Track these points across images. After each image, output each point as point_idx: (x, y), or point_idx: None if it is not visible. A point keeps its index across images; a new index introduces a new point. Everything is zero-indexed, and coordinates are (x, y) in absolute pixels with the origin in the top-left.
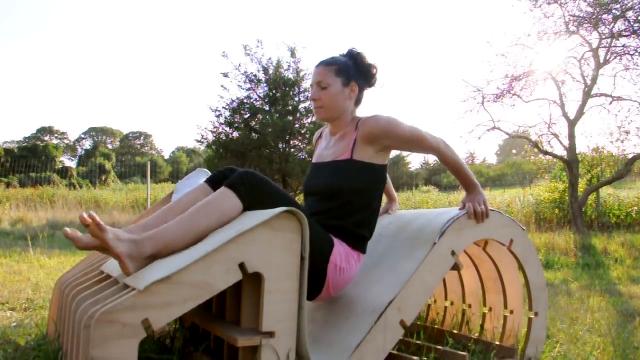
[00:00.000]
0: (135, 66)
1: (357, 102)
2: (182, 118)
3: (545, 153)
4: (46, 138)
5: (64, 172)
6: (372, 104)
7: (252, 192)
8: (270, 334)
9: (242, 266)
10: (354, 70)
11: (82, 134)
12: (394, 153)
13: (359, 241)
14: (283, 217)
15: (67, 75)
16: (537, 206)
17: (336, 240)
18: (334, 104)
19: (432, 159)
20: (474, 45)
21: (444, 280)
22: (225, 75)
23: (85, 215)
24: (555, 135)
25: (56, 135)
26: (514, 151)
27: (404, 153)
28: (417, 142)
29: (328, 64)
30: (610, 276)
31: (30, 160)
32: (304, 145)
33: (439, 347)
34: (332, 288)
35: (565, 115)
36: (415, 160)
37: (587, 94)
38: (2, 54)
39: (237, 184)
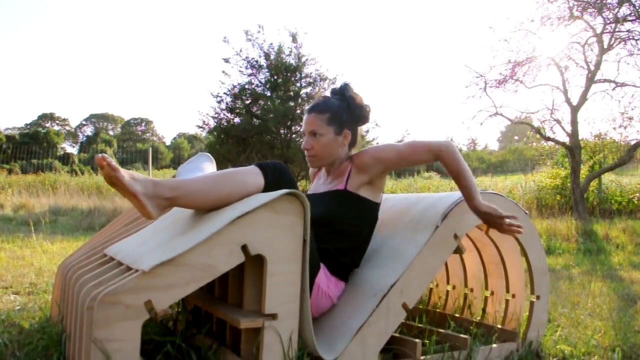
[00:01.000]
0: (137, 52)
1: (352, 144)
2: (184, 104)
3: (548, 139)
4: (47, 124)
5: (65, 159)
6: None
7: (276, 177)
8: (273, 317)
9: (244, 248)
10: (346, 116)
11: (83, 120)
12: (395, 138)
13: (339, 267)
14: (285, 199)
15: (68, 62)
16: (538, 192)
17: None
18: (327, 153)
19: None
20: (477, 31)
21: (446, 264)
22: (227, 60)
23: (100, 156)
24: (558, 122)
25: (57, 121)
26: (516, 137)
27: (405, 139)
28: (413, 152)
29: (319, 112)
30: (611, 262)
31: (31, 147)
32: None
33: (441, 330)
34: (314, 309)
35: (568, 101)
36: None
37: (590, 80)
38: (3, 40)
39: (266, 166)
